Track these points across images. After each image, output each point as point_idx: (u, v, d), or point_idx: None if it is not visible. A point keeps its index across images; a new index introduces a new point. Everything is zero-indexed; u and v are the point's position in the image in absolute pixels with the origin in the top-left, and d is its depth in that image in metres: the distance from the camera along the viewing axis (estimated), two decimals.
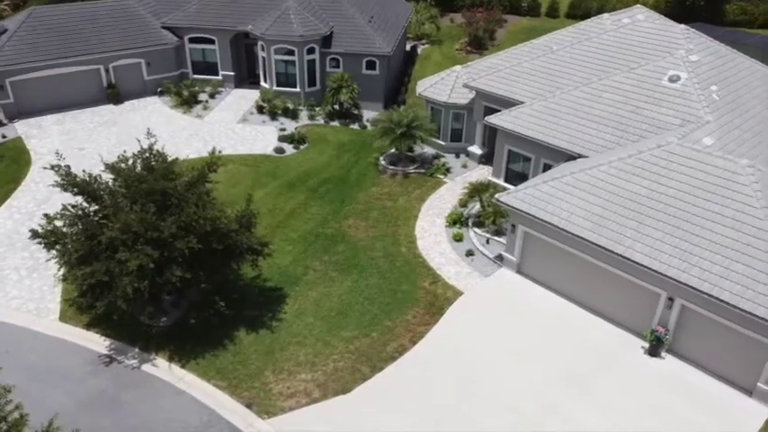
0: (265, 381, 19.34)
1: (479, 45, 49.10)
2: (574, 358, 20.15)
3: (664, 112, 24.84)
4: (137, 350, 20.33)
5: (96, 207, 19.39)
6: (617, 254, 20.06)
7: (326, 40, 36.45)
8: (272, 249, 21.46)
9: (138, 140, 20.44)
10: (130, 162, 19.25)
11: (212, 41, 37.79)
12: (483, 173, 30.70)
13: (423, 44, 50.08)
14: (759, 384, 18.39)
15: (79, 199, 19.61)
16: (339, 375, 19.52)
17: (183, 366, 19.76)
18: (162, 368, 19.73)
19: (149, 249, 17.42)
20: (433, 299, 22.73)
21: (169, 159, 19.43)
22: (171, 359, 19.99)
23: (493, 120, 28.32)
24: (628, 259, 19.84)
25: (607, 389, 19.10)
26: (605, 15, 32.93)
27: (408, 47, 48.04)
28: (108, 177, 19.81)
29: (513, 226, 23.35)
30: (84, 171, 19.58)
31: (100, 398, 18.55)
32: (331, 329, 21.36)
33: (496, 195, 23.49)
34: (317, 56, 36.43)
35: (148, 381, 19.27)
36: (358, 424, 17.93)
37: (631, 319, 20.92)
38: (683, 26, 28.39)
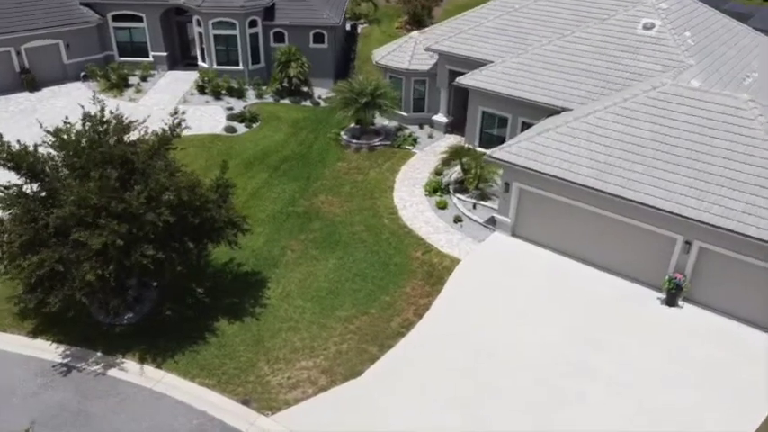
0: (260, 373, 16.65)
1: (419, 23, 47.58)
2: (590, 316, 18.71)
3: (643, 59, 24.00)
4: (99, 354, 17.08)
5: (37, 186, 16.06)
6: (629, 200, 18.78)
7: (269, 13, 33.67)
8: (249, 224, 18.76)
9: (82, 106, 17.25)
10: (78, 126, 15.99)
11: (140, 19, 34.03)
12: (451, 141, 28.98)
13: (361, 24, 48.13)
14: None
15: (13, 178, 16.17)
16: (345, 358, 17.12)
17: (158, 367, 16.72)
18: (133, 371, 16.61)
19: (115, 224, 14.31)
20: (429, 269, 20.71)
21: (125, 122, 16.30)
22: (142, 360, 16.90)
23: (465, 80, 26.67)
24: (642, 204, 18.58)
25: (629, 344, 17.73)
26: None
27: (348, 26, 45.90)
28: (47, 151, 16.47)
29: (507, 184, 21.70)
30: (18, 141, 16.15)
31: (62, 413, 15.25)
32: (324, 310, 18.91)
33: (489, 152, 21.75)
34: (259, 29, 33.58)
35: (118, 387, 16.12)
36: (377, 409, 15.63)
37: (643, 270, 19.74)
38: None
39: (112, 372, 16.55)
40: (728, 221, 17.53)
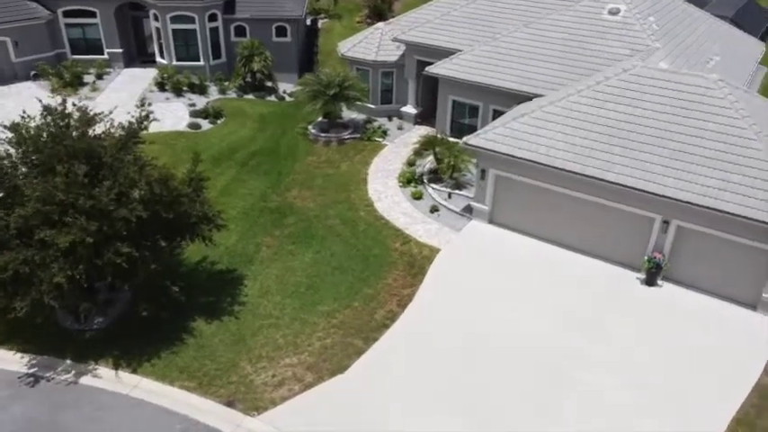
0: (243, 373, 15.99)
1: (380, 16, 47.21)
2: (574, 300, 18.65)
3: (610, 44, 24.22)
4: (68, 362, 16.12)
5: None
6: (609, 181, 18.81)
7: (229, 6, 32.77)
8: (224, 219, 18.03)
9: (40, 100, 16.26)
10: (38, 120, 15.02)
11: (93, 14, 32.64)
12: (421, 133, 28.68)
13: (321, 18, 47.49)
14: (765, 295, 17.87)
15: None
16: (330, 353, 16.60)
17: (134, 372, 15.88)
18: (107, 378, 15.72)
19: (84, 221, 13.44)
20: (410, 259, 20.36)
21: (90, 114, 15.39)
22: (116, 365, 16.02)
23: (435, 69, 26.44)
24: (621, 185, 18.64)
25: (616, 325, 17.76)
26: None
27: (308, 21, 45.20)
28: (4, 148, 15.43)
29: (483, 171, 21.53)
30: None
31: (32, 426, 14.29)
32: (305, 306, 18.34)
33: (464, 139, 21.52)
34: (219, 23, 32.67)
35: (92, 396, 15.23)
36: (367, 404, 15.16)
37: (621, 252, 19.85)
38: None
39: (85, 380, 15.62)
40: (706, 199, 17.73)
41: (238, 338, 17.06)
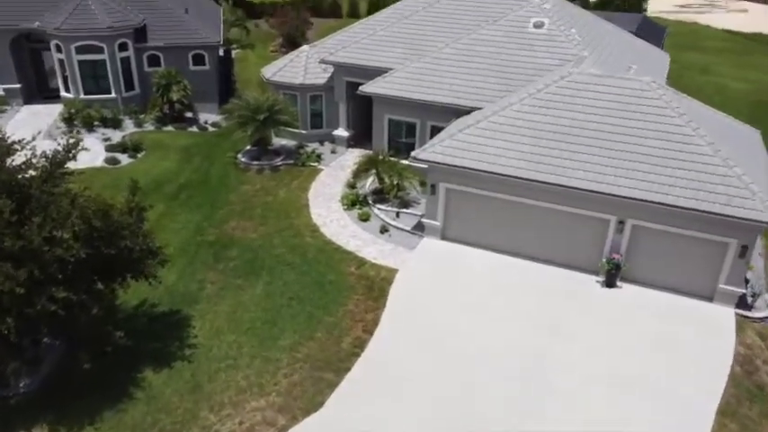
0: (206, 423, 14.27)
1: (294, 44, 46.54)
2: (538, 308, 18.35)
3: (540, 55, 24.67)
4: None
5: None
6: (562, 186, 18.77)
7: (140, 34, 30.83)
8: (165, 254, 16.30)
9: None
10: None
11: None
12: (356, 155, 27.93)
13: (234, 49, 46.17)
14: (720, 286, 18.29)
15: None
16: (301, 390, 15.20)
17: None
18: None
19: (9, 268, 11.44)
20: (368, 282, 19.35)
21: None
22: None
23: (368, 89, 25.87)
24: (575, 188, 18.65)
25: (584, 328, 17.59)
26: None
27: (221, 51, 43.69)
28: None
29: (433, 186, 21.00)
30: None
31: None
32: (264, 342, 16.84)
33: (413, 153, 20.93)
34: (131, 53, 30.58)
35: None
36: None
37: (577, 256, 19.82)
38: None
39: None
40: (657, 195, 18.02)
41: (194, 386, 15.28)
